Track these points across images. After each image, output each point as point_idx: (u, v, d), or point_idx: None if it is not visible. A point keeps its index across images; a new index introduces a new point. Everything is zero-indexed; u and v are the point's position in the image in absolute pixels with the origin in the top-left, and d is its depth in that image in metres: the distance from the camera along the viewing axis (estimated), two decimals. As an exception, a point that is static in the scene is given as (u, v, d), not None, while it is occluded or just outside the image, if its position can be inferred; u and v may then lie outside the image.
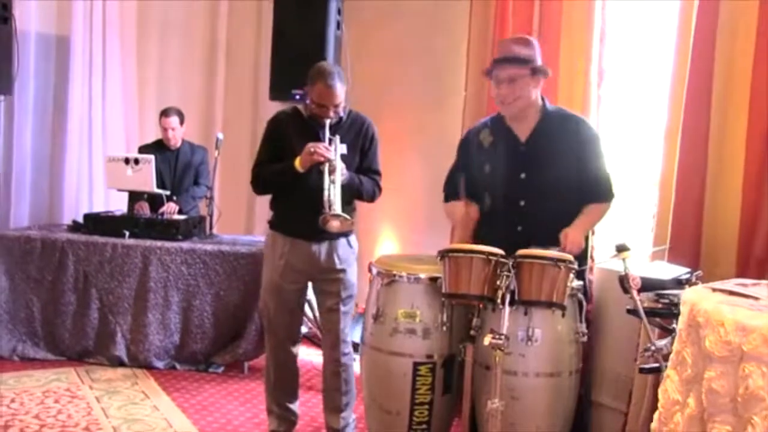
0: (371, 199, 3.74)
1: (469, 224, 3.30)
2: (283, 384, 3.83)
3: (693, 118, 3.46)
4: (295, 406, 3.87)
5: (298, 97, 5.19)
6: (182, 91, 6.55)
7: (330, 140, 3.48)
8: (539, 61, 3.28)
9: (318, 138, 3.51)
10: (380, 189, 3.75)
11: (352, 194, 3.62)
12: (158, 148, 5.58)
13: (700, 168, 3.42)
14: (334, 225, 3.32)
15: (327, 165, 3.38)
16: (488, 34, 4.64)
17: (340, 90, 3.53)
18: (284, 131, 3.70)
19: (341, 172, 3.41)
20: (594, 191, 3.23)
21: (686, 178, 3.50)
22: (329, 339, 3.72)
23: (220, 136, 5.42)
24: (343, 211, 3.35)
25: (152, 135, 5.93)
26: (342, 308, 3.63)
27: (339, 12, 5.28)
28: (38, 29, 6.03)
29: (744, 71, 3.27)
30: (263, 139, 3.79)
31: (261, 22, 6.35)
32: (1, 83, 5.43)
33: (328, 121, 3.49)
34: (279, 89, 5.32)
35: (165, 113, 5.58)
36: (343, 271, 3.64)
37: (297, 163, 3.47)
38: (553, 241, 3.03)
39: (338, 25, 5.26)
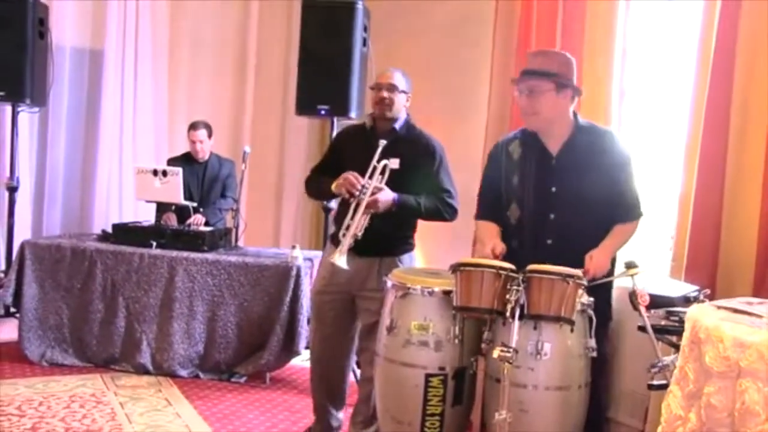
0: (437, 218, 3.63)
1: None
2: (316, 387, 3.91)
3: (711, 137, 3.47)
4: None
5: (323, 112, 5.27)
6: (211, 104, 6.68)
7: (378, 168, 3.46)
8: (570, 76, 3.22)
9: (373, 150, 3.48)
10: (451, 207, 3.62)
11: (408, 215, 3.60)
12: (186, 160, 5.67)
13: (718, 187, 3.43)
14: (336, 264, 3.38)
15: (354, 199, 3.40)
16: (512, 46, 4.71)
17: (398, 78, 3.63)
18: (343, 143, 3.85)
19: (378, 202, 3.40)
20: (622, 210, 3.20)
21: (704, 197, 3.51)
22: (367, 355, 3.70)
23: (247, 149, 5.43)
24: (399, 231, 3.59)
25: (181, 148, 6.02)
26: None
27: (365, 29, 5.33)
28: (73, 43, 6.19)
29: (763, 90, 3.28)
30: (326, 148, 3.94)
31: (290, 38, 6.44)
32: (36, 95, 5.61)
33: (382, 143, 3.46)
34: (305, 104, 5.36)
35: (193, 126, 5.68)
36: (383, 290, 3.55)
37: (333, 185, 3.50)
38: (580, 261, 3.02)
39: (364, 42, 5.30)
